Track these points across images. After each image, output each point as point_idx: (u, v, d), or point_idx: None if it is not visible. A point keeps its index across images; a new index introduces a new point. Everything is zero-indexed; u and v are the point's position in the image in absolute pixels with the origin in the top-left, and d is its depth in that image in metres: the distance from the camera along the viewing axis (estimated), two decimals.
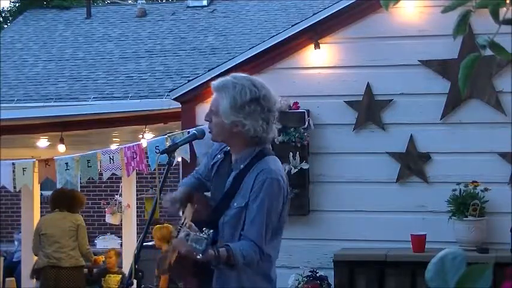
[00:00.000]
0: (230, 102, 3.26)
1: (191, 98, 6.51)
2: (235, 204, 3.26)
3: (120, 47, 15.12)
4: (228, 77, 3.38)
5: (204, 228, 3.04)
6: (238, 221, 3.25)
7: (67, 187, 8.76)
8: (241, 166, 3.32)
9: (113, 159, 6.64)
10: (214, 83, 3.39)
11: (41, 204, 10.58)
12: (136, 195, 11.53)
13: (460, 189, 5.87)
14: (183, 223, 3.32)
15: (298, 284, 5.98)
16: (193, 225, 3.23)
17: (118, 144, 8.70)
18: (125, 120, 8.08)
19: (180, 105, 6.61)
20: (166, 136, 6.53)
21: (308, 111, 6.22)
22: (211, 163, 3.50)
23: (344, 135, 6.22)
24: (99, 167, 6.72)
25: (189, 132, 3.77)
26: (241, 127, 3.27)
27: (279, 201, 3.28)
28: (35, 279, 8.90)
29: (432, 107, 6.07)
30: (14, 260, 11.48)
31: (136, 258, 3.31)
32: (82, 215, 8.46)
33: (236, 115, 3.25)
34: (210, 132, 3.40)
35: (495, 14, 1.68)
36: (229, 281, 3.28)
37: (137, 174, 10.03)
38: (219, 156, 3.47)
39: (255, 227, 3.21)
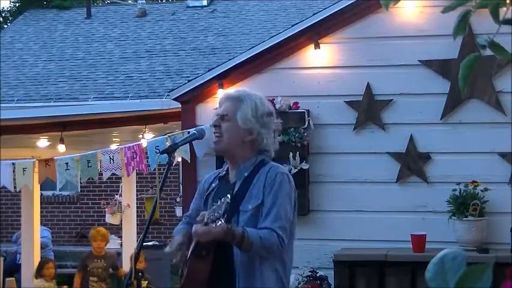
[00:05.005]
0: (252, 109, 3.37)
1: (191, 98, 6.51)
2: (249, 206, 3.28)
3: (120, 47, 15.11)
4: (242, 89, 3.55)
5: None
6: (255, 222, 3.26)
7: None
8: (246, 174, 3.38)
9: (112, 159, 6.64)
10: (231, 91, 3.51)
11: (41, 204, 10.58)
12: (136, 195, 11.53)
13: (460, 189, 5.87)
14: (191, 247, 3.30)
15: (298, 284, 5.98)
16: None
17: (118, 144, 8.71)
18: (125, 120, 8.08)
19: (180, 105, 6.61)
20: (166, 136, 6.54)
21: (308, 111, 6.22)
22: (206, 194, 3.51)
23: (344, 135, 6.22)
24: (99, 167, 6.72)
25: (189, 132, 3.77)
26: (257, 135, 3.36)
27: (291, 195, 3.36)
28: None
29: (432, 107, 6.07)
30: (18, 261, 11.39)
31: (136, 258, 3.32)
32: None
33: (255, 123, 3.35)
34: (217, 137, 3.39)
35: (495, 14, 1.68)
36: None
37: (137, 174, 10.03)
38: (213, 185, 3.51)
39: (271, 216, 3.25)
